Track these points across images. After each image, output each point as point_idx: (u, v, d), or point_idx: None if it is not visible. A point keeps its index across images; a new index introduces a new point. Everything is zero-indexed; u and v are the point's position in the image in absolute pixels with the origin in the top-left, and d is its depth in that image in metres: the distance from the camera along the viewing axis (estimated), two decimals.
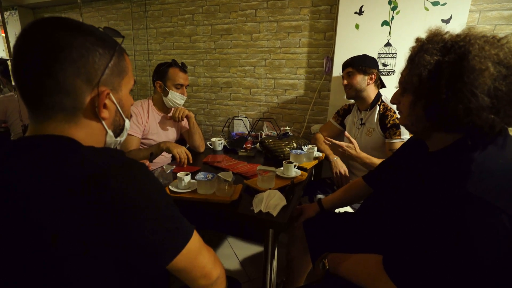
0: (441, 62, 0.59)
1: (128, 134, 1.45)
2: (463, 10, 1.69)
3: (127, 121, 0.61)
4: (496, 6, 1.77)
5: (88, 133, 0.52)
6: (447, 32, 0.63)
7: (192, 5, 2.51)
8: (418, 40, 0.68)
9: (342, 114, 1.72)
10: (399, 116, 1.35)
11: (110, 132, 0.57)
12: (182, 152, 1.40)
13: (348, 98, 1.57)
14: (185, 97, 1.58)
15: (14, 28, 3.33)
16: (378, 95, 1.49)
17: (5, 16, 3.49)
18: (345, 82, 1.52)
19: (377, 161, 1.36)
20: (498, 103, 0.54)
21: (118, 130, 0.60)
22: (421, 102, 0.65)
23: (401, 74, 0.73)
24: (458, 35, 0.61)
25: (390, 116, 1.40)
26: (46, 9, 3.33)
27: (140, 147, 1.56)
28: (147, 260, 0.47)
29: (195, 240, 0.53)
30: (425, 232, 0.59)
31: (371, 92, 1.49)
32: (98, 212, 0.41)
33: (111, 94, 0.53)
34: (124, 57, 0.56)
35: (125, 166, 0.46)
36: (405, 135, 1.35)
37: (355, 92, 1.49)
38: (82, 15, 2.29)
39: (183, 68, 1.56)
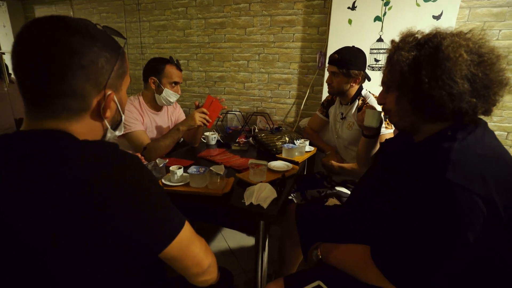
0: (419, 56, 0.65)
1: (133, 132, 1.44)
2: (453, 6, 1.71)
3: (123, 116, 0.64)
4: (485, 3, 1.80)
5: (87, 129, 0.53)
6: (417, 31, 0.70)
7: None
8: (393, 42, 0.74)
9: (326, 105, 1.71)
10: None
11: (110, 129, 0.60)
12: (200, 118, 1.44)
13: (329, 93, 1.56)
14: (179, 95, 1.57)
15: (3, 20, 3.25)
16: (359, 89, 1.46)
17: None
18: (327, 80, 1.48)
19: (349, 166, 1.45)
20: (477, 87, 0.60)
21: (115, 125, 0.63)
22: (406, 97, 0.69)
23: (383, 74, 0.78)
24: (428, 33, 0.68)
25: None
26: (35, 1, 3.25)
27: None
28: (141, 248, 0.49)
29: (187, 230, 0.55)
30: (408, 220, 0.63)
31: (353, 90, 1.46)
32: (97, 208, 0.43)
33: (114, 95, 0.55)
34: (125, 59, 0.58)
35: (121, 160, 0.48)
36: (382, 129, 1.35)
37: (336, 91, 1.47)
38: (73, 7, 2.24)
39: (178, 66, 1.54)
